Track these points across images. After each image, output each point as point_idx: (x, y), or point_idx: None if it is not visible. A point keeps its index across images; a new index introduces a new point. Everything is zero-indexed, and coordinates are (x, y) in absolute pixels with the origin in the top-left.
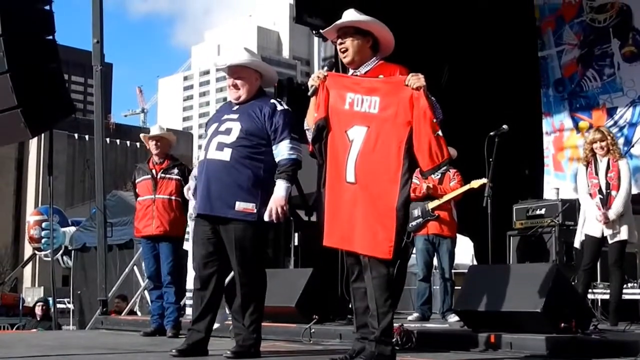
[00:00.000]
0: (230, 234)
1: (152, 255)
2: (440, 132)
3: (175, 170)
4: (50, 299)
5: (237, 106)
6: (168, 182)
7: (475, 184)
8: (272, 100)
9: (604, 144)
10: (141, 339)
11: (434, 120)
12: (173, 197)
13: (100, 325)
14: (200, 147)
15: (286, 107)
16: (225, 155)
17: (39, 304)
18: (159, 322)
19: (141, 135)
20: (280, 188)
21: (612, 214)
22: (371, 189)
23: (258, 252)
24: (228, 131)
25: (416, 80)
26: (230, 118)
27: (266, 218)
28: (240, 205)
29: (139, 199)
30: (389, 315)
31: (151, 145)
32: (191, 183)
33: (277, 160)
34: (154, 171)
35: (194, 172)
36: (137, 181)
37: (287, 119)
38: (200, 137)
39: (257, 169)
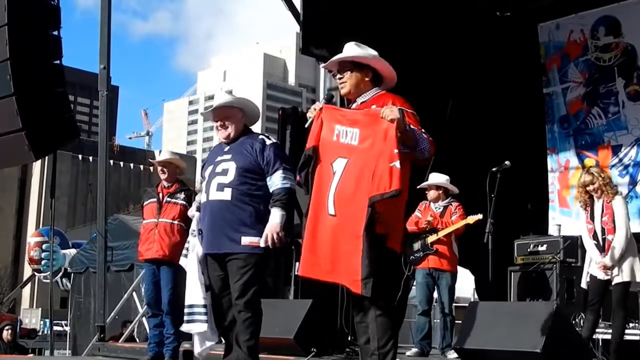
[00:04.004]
0: (233, 263)
1: (152, 282)
2: (397, 164)
3: (182, 195)
4: (48, 321)
5: (228, 146)
6: (173, 206)
7: (471, 219)
8: (261, 136)
9: (595, 186)
10: None
11: (395, 152)
12: (176, 222)
13: (97, 351)
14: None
15: (275, 140)
16: (226, 195)
17: (7, 327)
18: (155, 351)
19: (151, 160)
20: (275, 216)
21: (609, 261)
22: (346, 220)
23: (259, 283)
24: (225, 172)
25: (389, 113)
26: (224, 159)
27: (262, 244)
28: (246, 240)
29: (143, 222)
30: (389, 355)
31: (159, 171)
32: (194, 206)
33: (271, 190)
34: (160, 195)
35: (199, 196)
36: (144, 204)
37: (277, 151)
38: (203, 161)
39: (257, 204)
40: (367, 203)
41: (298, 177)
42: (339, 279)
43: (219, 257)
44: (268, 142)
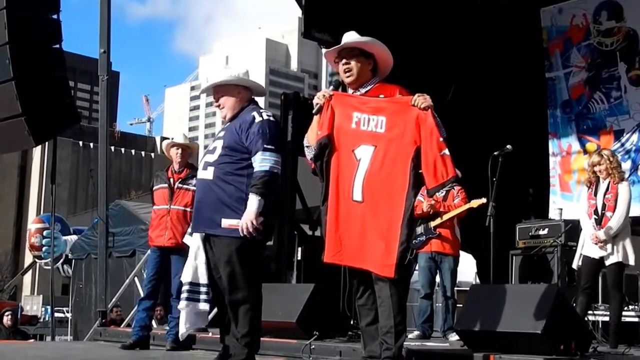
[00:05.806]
0: (218, 250)
1: (155, 268)
2: (446, 151)
3: (193, 181)
4: (49, 307)
5: (227, 124)
6: (185, 192)
7: (475, 203)
8: (254, 112)
9: (602, 167)
10: (141, 352)
11: (440, 140)
12: (188, 209)
13: (99, 336)
14: None
15: (267, 116)
16: (209, 174)
17: (7, 313)
18: (139, 335)
19: (164, 142)
20: (251, 203)
21: (603, 233)
22: (378, 207)
23: (247, 267)
24: (213, 150)
25: (423, 100)
26: (218, 137)
27: (240, 233)
28: (226, 222)
29: (154, 207)
30: (404, 334)
31: (174, 153)
32: None
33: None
34: (171, 180)
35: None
36: (154, 188)
37: (262, 130)
38: (205, 147)
39: (241, 184)
40: (403, 190)
41: (313, 166)
42: (365, 264)
43: (203, 236)
44: (257, 118)
